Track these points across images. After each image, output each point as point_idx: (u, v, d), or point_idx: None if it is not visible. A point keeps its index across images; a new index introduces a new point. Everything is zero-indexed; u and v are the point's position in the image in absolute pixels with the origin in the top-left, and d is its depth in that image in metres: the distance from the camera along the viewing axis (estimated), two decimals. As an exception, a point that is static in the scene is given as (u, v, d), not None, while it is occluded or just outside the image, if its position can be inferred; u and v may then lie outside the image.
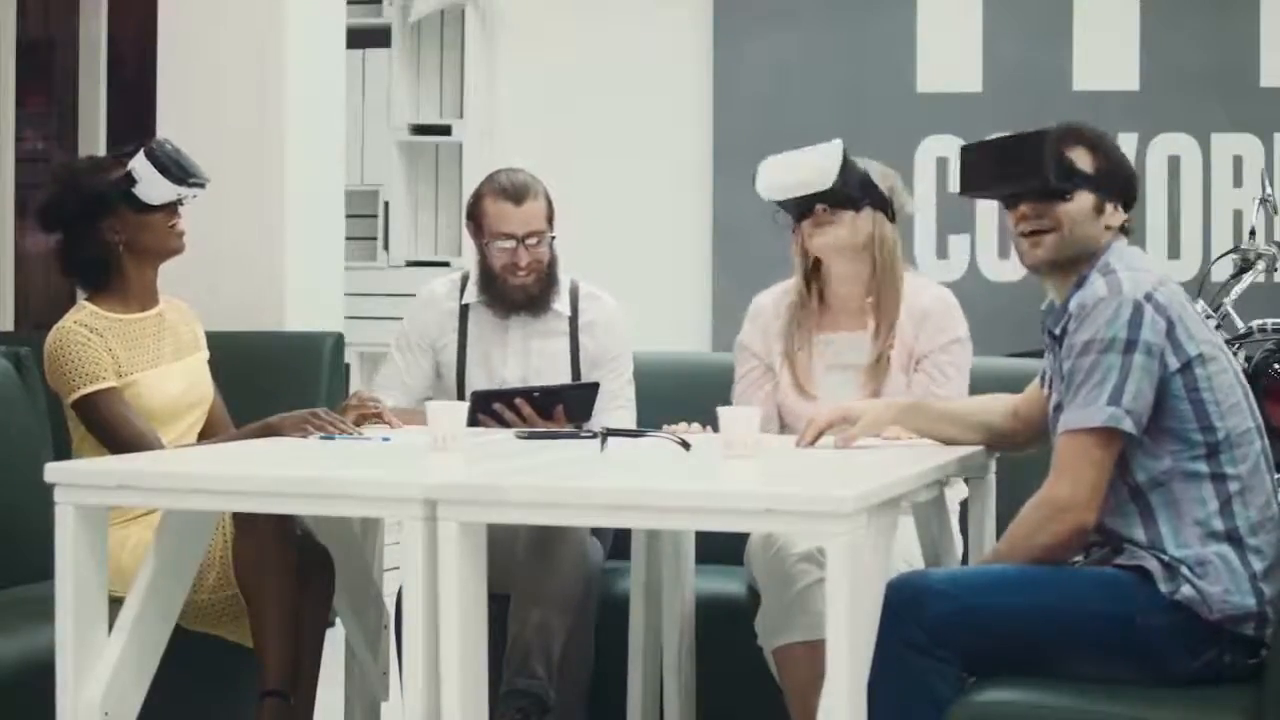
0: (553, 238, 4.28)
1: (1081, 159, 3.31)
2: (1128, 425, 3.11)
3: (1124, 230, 3.34)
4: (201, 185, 3.93)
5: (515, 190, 4.24)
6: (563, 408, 4.04)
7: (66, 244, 3.93)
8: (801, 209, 3.98)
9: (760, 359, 4.09)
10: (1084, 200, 3.30)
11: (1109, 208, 3.31)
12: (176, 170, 3.87)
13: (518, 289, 4.25)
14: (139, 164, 3.86)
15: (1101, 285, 3.19)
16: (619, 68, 7.57)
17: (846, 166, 3.91)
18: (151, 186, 3.86)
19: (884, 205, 3.98)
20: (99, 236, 3.89)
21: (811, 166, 3.93)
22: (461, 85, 7.57)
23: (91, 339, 3.81)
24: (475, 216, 4.28)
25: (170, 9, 5.56)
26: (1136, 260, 3.28)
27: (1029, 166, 3.28)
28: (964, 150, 3.41)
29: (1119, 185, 3.34)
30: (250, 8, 5.44)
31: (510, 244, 4.22)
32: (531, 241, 4.23)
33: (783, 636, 3.69)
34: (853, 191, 3.93)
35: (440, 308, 4.35)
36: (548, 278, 4.28)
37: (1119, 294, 3.15)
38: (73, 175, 3.97)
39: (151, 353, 3.91)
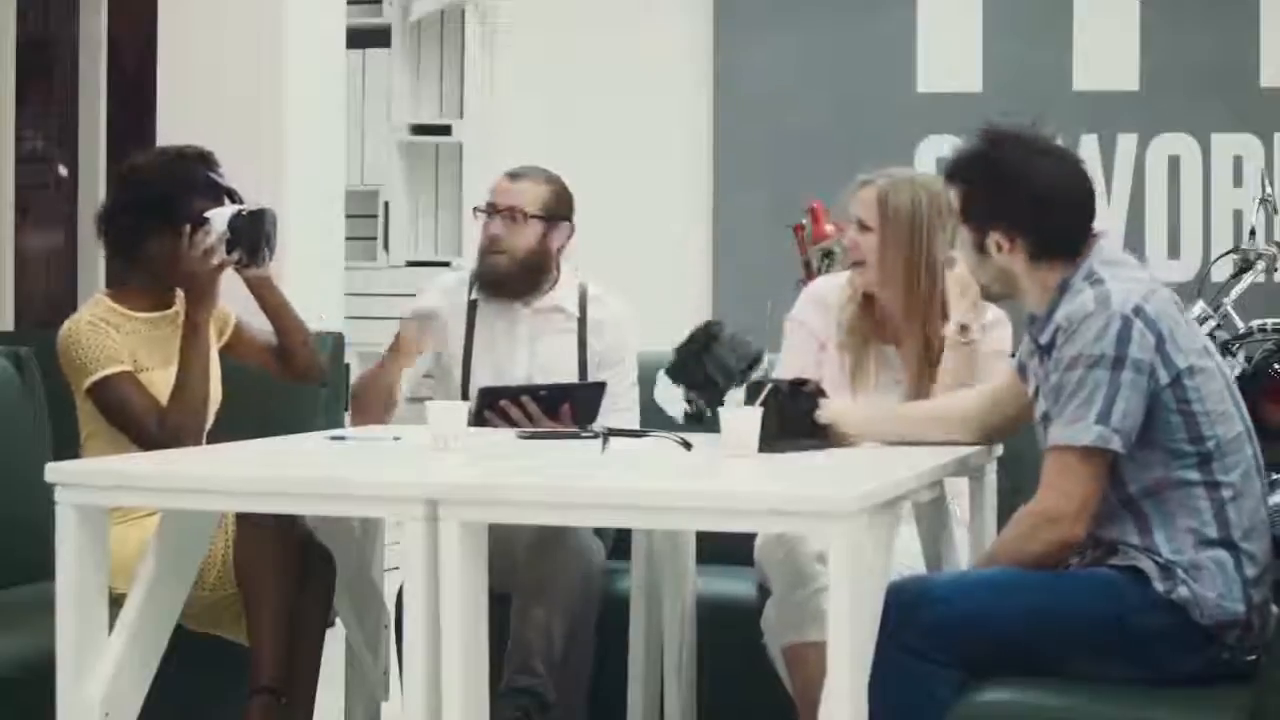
0: (544, 229, 4.23)
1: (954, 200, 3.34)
2: (1116, 445, 3.10)
3: (1051, 240, 3.25)
4: (252, 266, 3.88)
5: (517, 170, 4.30)
6: (568, 407, 4.03)
7: (118, 208, 3.89)
8: None
9: (816, 336, 3.99)
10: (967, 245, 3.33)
11: (991, 241, 3.26)
12: (249, 245, 3.81)
13: (486, 266, 4.23)
14: (218, 221, 3.80)
15: (1089, 297, 3.15)
16: (619, 68, 7.57)
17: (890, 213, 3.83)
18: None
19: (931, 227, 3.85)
20: (153, 239, 3.85)
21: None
22: (461, 85, 7.57)
23: (106, 330, 3.80)
24: None
25: (170, 9, 5.56)
26: (1124, 266, 3.24)
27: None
28: None
29: (996, 209, 3.26)
30: (250, 8, 5.44)
31: (486, 215, 4.22)
32: (508, 217, 4.21)
33: (794, 635, 3.68)
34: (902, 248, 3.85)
35: (449, 301, 4.33)
36: (523, 266, 4.23)
37: (1107, 308, 3.12)
38: (185, 170, 3.90)
39: (165, 351, 3.89)
